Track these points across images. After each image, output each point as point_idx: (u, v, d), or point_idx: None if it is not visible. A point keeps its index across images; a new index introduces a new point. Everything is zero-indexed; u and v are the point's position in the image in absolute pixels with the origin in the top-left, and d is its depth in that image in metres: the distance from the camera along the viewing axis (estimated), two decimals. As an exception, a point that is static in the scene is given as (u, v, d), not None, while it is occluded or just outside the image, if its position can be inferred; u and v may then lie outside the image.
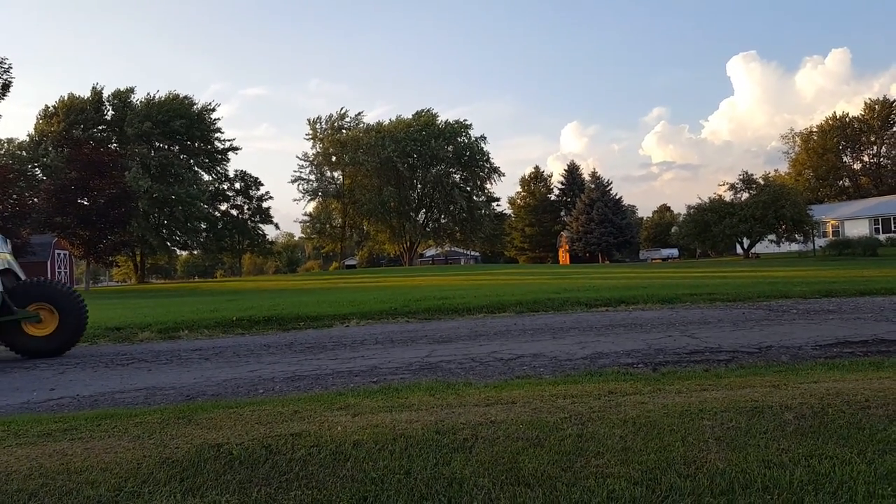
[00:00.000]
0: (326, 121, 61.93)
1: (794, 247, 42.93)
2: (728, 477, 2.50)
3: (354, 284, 21.10)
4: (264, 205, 56.68)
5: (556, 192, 75.29)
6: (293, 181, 62.93)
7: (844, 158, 67.44)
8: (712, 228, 39.67)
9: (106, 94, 49.42)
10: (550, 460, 2.64)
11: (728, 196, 41.88)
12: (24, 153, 45.22)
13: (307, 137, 62.54)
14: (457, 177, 61.11)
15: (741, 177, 42.12)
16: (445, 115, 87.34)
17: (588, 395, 3.55)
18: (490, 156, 61.08)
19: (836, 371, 4.28)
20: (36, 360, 6.58)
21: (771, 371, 4.40)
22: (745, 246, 41.71)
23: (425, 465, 2.63)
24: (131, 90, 49.97)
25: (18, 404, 4.49)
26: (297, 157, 69.09)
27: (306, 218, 65.85)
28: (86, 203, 31.96)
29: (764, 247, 43.33)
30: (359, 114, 63.35)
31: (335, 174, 63.09)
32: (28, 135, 48.10)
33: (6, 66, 29.32)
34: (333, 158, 61.24)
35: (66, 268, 42.53)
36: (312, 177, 62.24)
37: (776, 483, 2.46)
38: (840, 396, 3.26)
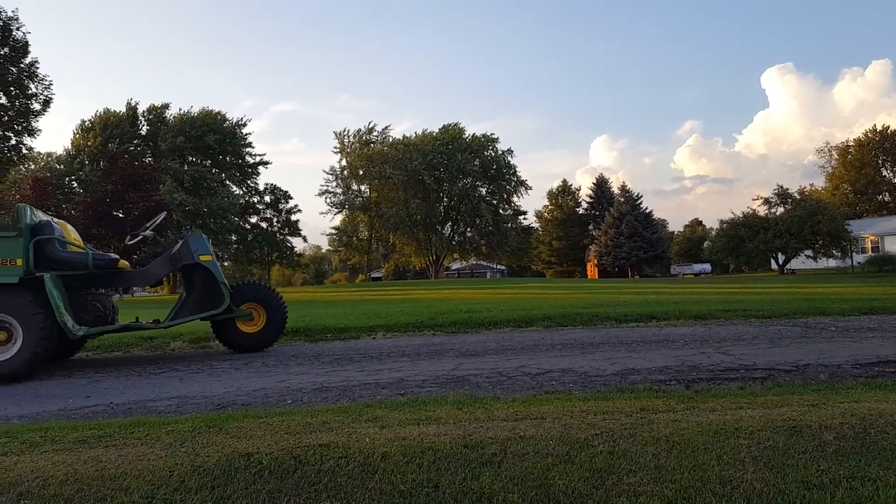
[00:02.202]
0: (354, 134, 62.66)
1: (832, 262, 41.95)
2: (766, 498, 2.43)
3: (381, 297, 21.18)
4: (293, 218, 57.32)
5: (585, 205, 74.80)
6: (320, 194, 63.65)
7: (884, 172, 65.81)
8: (746, 244, 39.00)
9: (141, 109, 50.74)
10: (581, 477, 2.59)
11: (762, 211, 41.22)
12: (61, 166, 46.46)
13: (335, 151, 63.28)
14: (483, 190, 61.05)
15: (776, 191, 41.51)
16: (472, 128, 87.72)
17: (619, 412, 3.49)
18: (517, 169, 60.92)
19: (878, 391, 4.15)
20: (73, 369, 6.73)
21: (809, 390, 4.27)
22: (780, 261, 40.87)
23: (454, 479, 2.60)
24: (166, 106, 51.13)
25: (55, 411, 4.59)
26: (325, 170, 69.63)
27: (333, 231, 66.54)
28: (121, 215, 32.76)
29: (800, 262, 42.44)
30: (386, 128, 63.75)
31: (362, 187, 63.63)
32: (65, 149, 49.48)
33: (47, 82, 30.25)
34: (360, 172, 61.78)
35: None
36: (339, 190, 62.90)
37: (816, 505, 2.38)
38: (883, 417, 3.15)
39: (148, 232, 7.78)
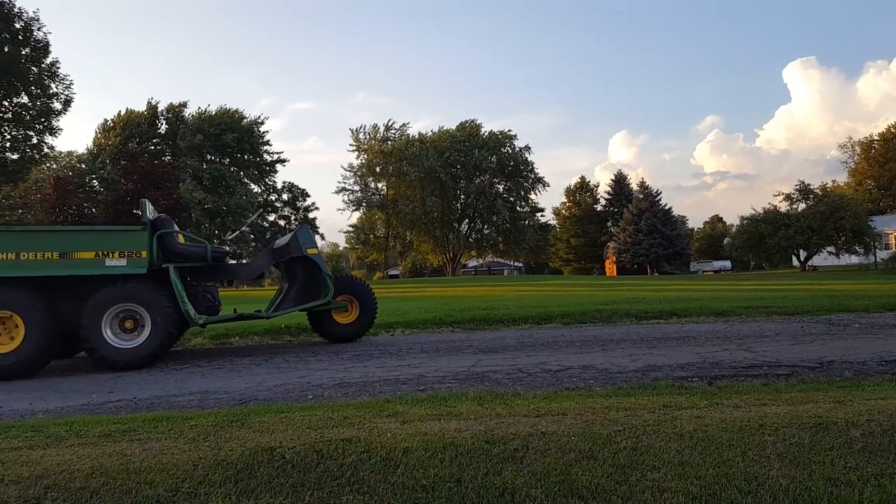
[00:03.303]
0: (370, 131, 62.79)
1: (855, 259, 41.27)
2: (792, 494, 2.39)
3: (398, 294, 21.21)
4: (311, 215, 57.61)
5: (603, 202, 74.20)
6: (338, 192, 63.97)
7: (908, 168, 64.47)
8: (767, 240, 38.49)
9: (160, 108, 51.29)
10: (604, 473, 2.58)
11: (784, 207, 40.63)
12: (83, 165, 47.19)
13: (350, 149, 63.53)
14: (500, 187, 60.89)
15: (797, 187, 40.83)
16: (490, 125, 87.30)
17: (642, 409, 3.46)
18: (534, 166, 60.77)
19: (906, 388, 4.07)
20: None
21: (834, 387, 4.21)
22: (802, 258, 40.30)
23: (476, 474, 2.60)
24: (184, 105, 51.66)
25: (79, 405, 4.66)
26: (342, 167, 69.81)
27: (350, 228, 66.81)
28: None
29: (822, 259, 41.80)
30: (403, 125, 63.88)
31: (379, 185, 63.78)
32: (87, 148, 50.23)
33: (67, 82, 30.69)
34: (377, 169, 61.93)
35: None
36: (356, 187, 63.12)
37: (844, 502, 2.34)
38: (912, 414, 3.09)
39: (245, 228, 8.27)
